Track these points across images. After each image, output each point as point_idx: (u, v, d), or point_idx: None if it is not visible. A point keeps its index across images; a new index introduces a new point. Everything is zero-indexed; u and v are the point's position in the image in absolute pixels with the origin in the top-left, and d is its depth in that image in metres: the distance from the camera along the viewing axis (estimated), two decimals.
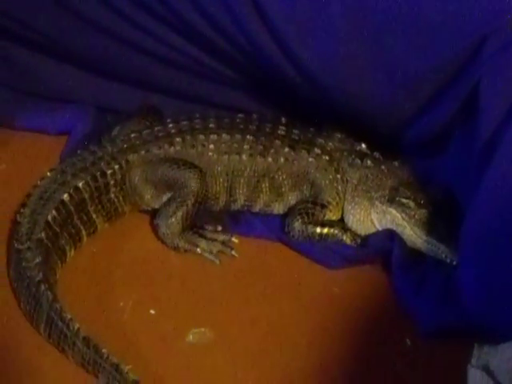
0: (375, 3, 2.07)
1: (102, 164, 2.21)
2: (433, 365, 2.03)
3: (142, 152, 2.25)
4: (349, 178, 2.28)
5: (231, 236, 2.25)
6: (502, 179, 1.97)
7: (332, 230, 2.23)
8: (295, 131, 2.31)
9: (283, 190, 2.30)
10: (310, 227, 2.22)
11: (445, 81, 2.11)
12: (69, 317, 1.88)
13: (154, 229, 2.24)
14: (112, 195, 2.22)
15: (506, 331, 1.94)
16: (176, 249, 2.20)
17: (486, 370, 1.93)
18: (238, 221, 2.31)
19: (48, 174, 2.19)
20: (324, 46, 2.14)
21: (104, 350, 1.83)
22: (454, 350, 2.02)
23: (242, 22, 2.19)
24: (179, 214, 2.20)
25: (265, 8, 2.13)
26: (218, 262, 2.17)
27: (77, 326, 1.86)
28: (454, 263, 2.12)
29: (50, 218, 2.08)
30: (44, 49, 2.51)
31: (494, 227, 1.98)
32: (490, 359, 1.95)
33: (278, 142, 2.27)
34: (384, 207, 2.22)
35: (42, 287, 1.91)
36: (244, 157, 2.26)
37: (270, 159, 2.26)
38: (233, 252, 2.20)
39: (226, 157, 2.26)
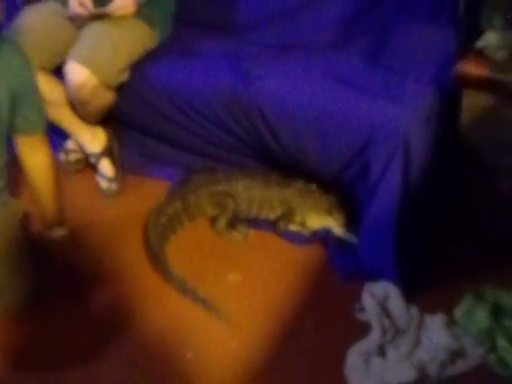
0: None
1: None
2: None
3: (205, 189, 3.47)
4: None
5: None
6: (382, 204, 3.01)
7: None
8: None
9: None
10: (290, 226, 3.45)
11: (351, 156, 3.09)
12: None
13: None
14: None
15: (377, 274, 2.98)
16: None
17: (370, 294, 2.97)
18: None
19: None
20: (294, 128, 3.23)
21: None
22: (359, 286, 2.94)
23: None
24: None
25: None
26: None
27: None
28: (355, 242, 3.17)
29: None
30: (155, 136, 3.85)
31: (379, 221, 2.97)
32: (371, 288, 2.99)
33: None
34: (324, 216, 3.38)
35: None
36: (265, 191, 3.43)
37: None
38: None
39: (251, 192, 3.44)
